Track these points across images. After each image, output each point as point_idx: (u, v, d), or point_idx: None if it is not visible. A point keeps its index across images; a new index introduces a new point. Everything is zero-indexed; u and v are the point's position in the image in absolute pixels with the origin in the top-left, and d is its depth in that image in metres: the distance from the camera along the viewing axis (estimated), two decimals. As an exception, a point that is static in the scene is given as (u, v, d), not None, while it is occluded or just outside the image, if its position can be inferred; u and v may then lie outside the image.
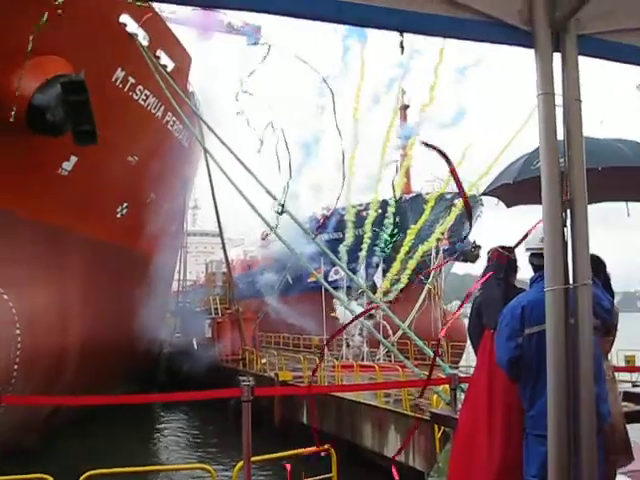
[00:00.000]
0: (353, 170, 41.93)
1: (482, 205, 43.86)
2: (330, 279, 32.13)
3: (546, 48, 2.88)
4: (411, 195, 43.69)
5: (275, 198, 10.51)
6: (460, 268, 53.51)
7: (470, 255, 42.85)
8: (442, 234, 39.63)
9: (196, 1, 3.15)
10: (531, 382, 3.82)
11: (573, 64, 2.92)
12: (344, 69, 43.63)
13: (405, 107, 47.74)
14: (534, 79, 2.84)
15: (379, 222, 42.50)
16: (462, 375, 8.02)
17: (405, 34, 2.95)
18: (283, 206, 10.27)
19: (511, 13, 2.87)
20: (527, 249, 4.39)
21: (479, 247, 43.42)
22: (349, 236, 43.03)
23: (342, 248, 41.23)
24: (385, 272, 37.84)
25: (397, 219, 42.08)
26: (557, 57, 2.92)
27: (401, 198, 43.80)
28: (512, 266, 5.29)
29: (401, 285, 37.94)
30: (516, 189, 6.16)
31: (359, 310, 14.99)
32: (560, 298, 2.81)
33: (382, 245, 41.74)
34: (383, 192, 44.70)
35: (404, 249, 39.59)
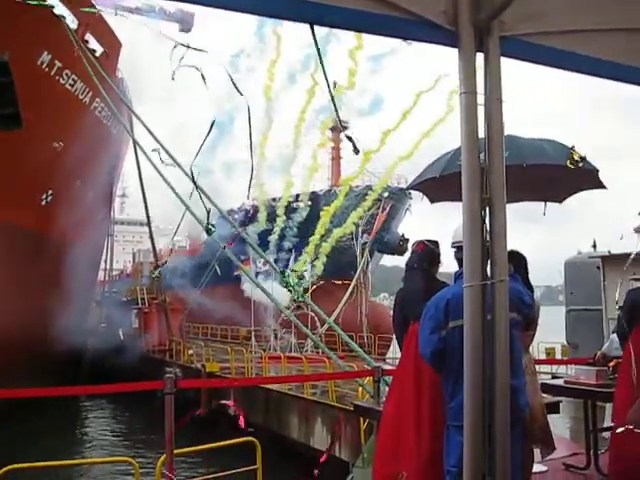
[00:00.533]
0: (264, 153, 41.64)
1: (411, 198, 44.50)
2: (257, 270, 32.05)
3: (469, 48, 2.91)
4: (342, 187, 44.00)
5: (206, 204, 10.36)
6: (388, 261, 54.15)
7: (398, 248, 43.59)
8: (359, 219, 40.09)
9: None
10: (453, 375, 3.86)
11: (496, 64, 2.96)
12: (260, 45, 42.91)
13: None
14: (457, 78, 2.88)
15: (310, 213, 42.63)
16: (389, 367, 8.13)
17: (320, 27, 2.93)
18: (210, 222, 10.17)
19: (435, 12, 2.87)
20: (452, 244, 4.44)
21: (407, 240, 44.13)
22: (278, 227, 43.02)
23: (272, 238, 41.32)
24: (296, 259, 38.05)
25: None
26: (480, 57, 2.96)
27: (330, 190, 44.25)
28: (435, 259, 5.37)
29: (315, 273, 38.04)
30: (441, 185, 6.27)
31: (274, 288, 14.91)
32: (478, 294, 2.85)
33: (292, 233, 42.10)
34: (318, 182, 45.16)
35: (318, 231, 39.74)
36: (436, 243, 5.42)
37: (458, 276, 4.06)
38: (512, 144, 5.65)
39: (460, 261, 4.07)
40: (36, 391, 10.74)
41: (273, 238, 41.33)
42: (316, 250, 39.14)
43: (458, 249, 4.30)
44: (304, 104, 42.42)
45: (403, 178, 44.17)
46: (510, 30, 2.95)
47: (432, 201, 7.04)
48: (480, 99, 2.93)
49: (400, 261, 45.55)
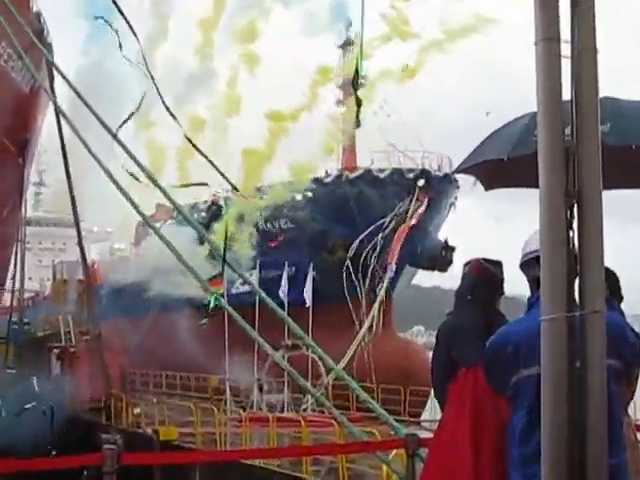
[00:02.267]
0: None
1: (457, 188, 44.52)
2: (235, 291, 32.12)
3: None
4: (358, 172, 43.95)
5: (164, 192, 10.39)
6: (425, 278, 54.06)
7: (439, 260, 43.59)
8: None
9: None
10: (527, 414, 3.85)
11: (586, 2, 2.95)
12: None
13: (348, 43, 47.84)
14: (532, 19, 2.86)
15: (311, 210, 42.62)
16: (425, 434, 8.09)
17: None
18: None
19: None
20: (524, 258, 4.39)
21: (452, 249, 44.19)
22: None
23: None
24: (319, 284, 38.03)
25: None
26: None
27: (340, 176, 44.09)
28: (497, 285, 5.51)
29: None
30: (500, 167, 6.33)
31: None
32: (561, 331, 2.85)
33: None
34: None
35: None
36: (498, 264, 5.55)
37: (533, 304, 4.03)
38: (612, 112, 5.59)
39: (536, 283, 4.04)
40: None
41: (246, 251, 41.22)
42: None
43: (533, 264, 4.14)
44: None
45: (446, 159, 44.26)
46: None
47: (487, 187, 7.11)
48: (564, 49, 2.91)
49: (442, 280, 45.74)
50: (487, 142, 6.56)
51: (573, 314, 2.85)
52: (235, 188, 38.56)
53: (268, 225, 44.00)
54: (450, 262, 43.58)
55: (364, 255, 41.47)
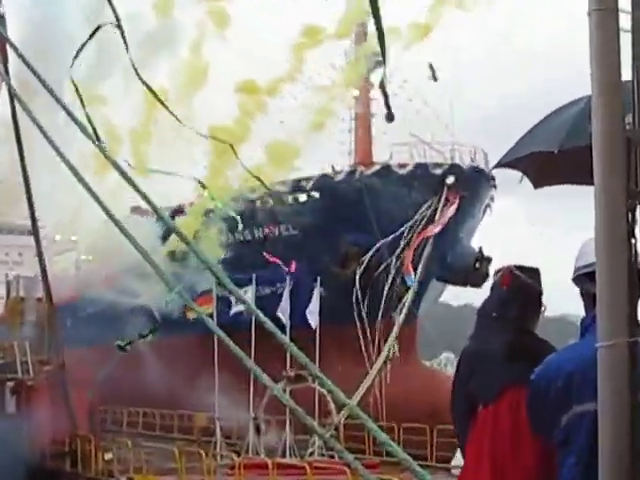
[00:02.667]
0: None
1: (494, 187, 44.49)
2: (234, 310, 32.13)
3: None
4: (375, 168, 43.91)
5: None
6: (454, 295, 54.11)
7: (472, 274, 43.47)
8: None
9: None
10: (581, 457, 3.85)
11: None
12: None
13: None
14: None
15: (318, 214, 42.57)
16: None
17: None
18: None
19: None
20: (577, 272, 4.40)
21: (488, 260, 44.08)
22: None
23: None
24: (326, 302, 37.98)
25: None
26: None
27: (354, 172, 44.04)
28: (532, 300, 5.43)
29: None
30: (553, 160, 6.23)
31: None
32: (621, 359, 2.85)
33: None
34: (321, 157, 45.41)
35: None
36: (534, 272, 5.49)
37: (587, 327, 4.02)
38: None
39: (592, 301, 4.03)
40: None
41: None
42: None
43: (588, 280, 4.14)
44: None
45: (481, 152, 44.18)
46: None
47: (537, 185, 7.03)
48: (624, 20, 2.92)
49: (475, 297, 45.68)
50: (535, 131, 6.53)
51: (636, 339, 2.84)
52: (203, 186, 38.74)
53: (264, 231, 44.02)
54: (485, 276, 43.00)
55: (382, 267, 41.45)
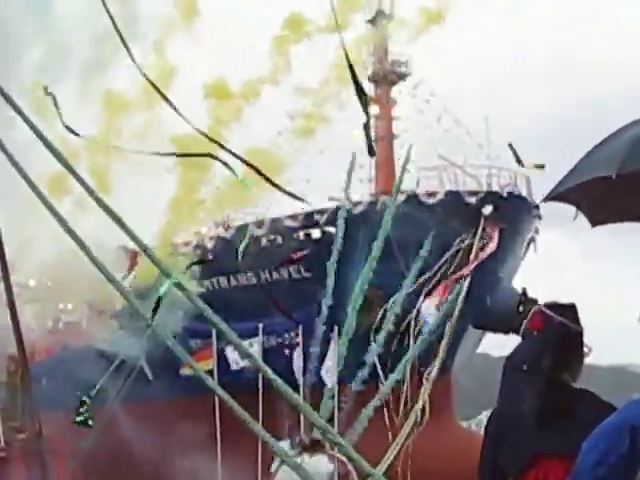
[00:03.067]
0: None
1: (539, 218, 44.56)
2: (234, 367, 32.03)
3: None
4: (400, 198, 43.86)
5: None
6: (495, 344, 54.04)
7: (515, 318, 43.24)
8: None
9: None
10: None
11: None
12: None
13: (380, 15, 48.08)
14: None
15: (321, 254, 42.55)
16: None
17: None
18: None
19: None
20: None
21: (533, 302, 43.81)
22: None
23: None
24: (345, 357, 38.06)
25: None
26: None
27: (375, 204, 44.02)
28: (571, 345, 5.41)
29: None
30: (611, 191, 6.28)
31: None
32: None
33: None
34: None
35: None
36: (571, 310, 5.47)
37: None
38: None
39: None
40: None
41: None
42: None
43: None
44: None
45: (521, 176, 44.19)
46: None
47: (595, 223, 7.09)
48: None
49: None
50: (590, 157, 6.56)
51: None
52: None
53: (266, 273, 43.88)
54: (531, 320, 43.25)
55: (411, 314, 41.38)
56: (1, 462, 34.73)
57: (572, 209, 7.04)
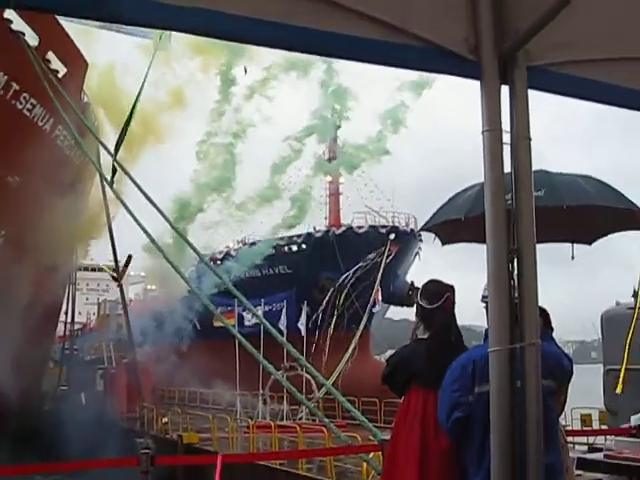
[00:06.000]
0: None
1: (421, 241, 44.85)
2: (247, 323, 31.93)
3: (493, 80, 2.97)
4: (342, 229, 44.16)
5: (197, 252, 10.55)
6: (395, 313, 54.03)
7: (406, 298, 43.61)
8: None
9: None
10: (477, 444, 3.83)
11: (522, 98, 3.02)
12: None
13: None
14: (479, 113, 2.94)
15: (304, 258, 42.84)
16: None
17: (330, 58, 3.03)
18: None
19: (456, 41, 2.95)
20: (483, 298, 4.18)
21: (417, 289, 44.06)
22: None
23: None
24: (310, 317, 38.07)
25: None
26: (505, 90, 3.03)
27: (328, 232, 44.31)
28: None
29: None
30: (460, 226, 6.28)
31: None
32: (505, 359, 2.86)
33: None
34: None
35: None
36: (451, 288, 5.07)
37: (487, 335, 4.04)
38: (545, 181, 5.66)
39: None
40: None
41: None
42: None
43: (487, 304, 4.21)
44: None
45: (412, 217, 44.62)
46: (537, 60, 3.03)
47: (444, 242, 7.03)
48: (505, 137, 2.98)
49: (409, 313, 45.46)
50: (445, 207, 6.57)
51: (514, 346, 2.88)
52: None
53: (270, 270, 44.24)
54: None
55: (345, 292, 41.75)
56: (113, 375, 34.45)
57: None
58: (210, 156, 44.29)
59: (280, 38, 2.77)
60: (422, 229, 6.79)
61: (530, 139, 3.01)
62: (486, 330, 4.14)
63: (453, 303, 4.93)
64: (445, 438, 4.29)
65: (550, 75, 3.12)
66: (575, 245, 6.55)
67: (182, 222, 40.27)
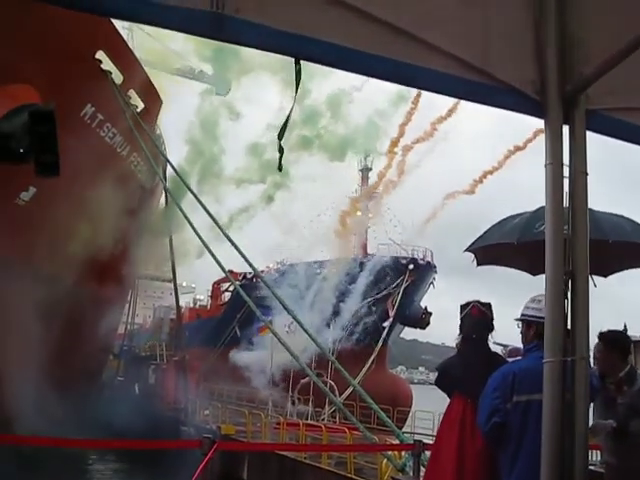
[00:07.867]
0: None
1: (435, 272, 44.57)
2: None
3: (556, 120, 2.92)
4: (368, 258, 44.01)
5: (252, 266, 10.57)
6: (408, 333, 53.69)
7: (420, 321, 43.35)
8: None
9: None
10: (512, 449, 3.73)
11: (581, 138, 2.95)
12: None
13: (367, 169, 48.30)
14: (543, 148, 2.86)
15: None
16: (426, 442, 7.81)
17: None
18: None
19: (524, 82, 2.90)
20: (523, 316, 4.17)
21: (430, 314, 43.89)
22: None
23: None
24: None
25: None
26: (566, 129, 2.95)
27: (357, 259, 44.19)
28: (490, 325, 5.09)
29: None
30: (494, 249, 6.25)
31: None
32: (558, 371, 2.78)
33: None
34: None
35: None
36: (489, 306, 5.11)
37: (528, 350, 3.92)
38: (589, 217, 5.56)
39: (530, 334, 3.92)
40: (55, 441, 9.93)
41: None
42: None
43: (528, 322, 4.07)
44: None
45: (428, 250, 44.44)
46: (596, 104, 2.96)
47: (479, 264, 6.85)
48: (564, 171, 2.91)
49: (419, 335, 45.30)
50: (491, 231, 6.47)
51: (566, 359, 2.79)
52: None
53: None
54: (428, 323, 43.70)
55: (368, 312, 41.43)
56: (163, 370, 34.44)
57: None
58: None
59: (375, 69, 2.72)
60: (469, 250, 6.57)
61: (587, 173, 2.94)
62: (525, 346, 4.04)
63: (483, 313, 5.01)
64: (481, 440, 4.21)
65: (607, 120, 3.07)
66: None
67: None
